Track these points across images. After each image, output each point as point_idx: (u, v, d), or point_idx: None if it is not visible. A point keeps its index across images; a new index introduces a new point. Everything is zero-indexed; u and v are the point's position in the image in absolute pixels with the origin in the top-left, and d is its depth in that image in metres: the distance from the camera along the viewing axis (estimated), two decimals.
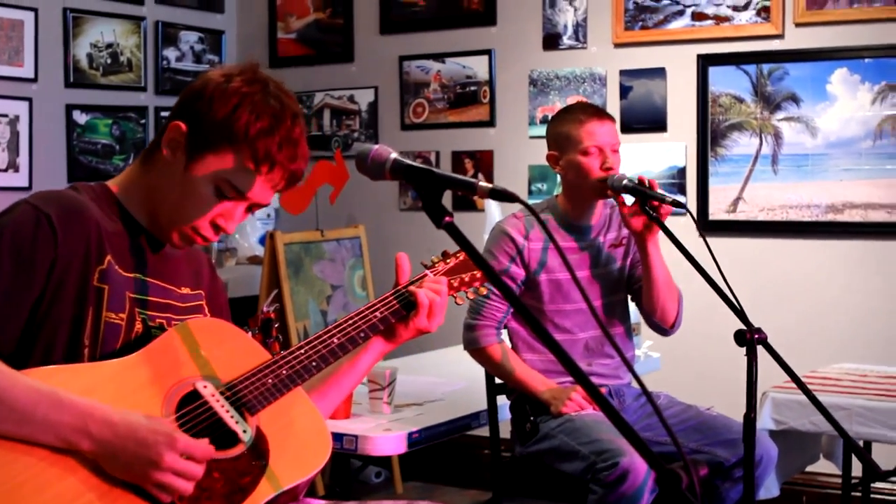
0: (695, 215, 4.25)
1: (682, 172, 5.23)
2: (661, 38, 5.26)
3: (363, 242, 5.74)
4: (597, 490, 3.25)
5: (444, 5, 5.79)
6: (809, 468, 4.27)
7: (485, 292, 2.60)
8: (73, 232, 2.04)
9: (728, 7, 5.11)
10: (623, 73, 5.35)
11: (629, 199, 3.50)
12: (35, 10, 5.28)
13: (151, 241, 2.20)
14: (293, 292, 5.28)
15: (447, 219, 1.85)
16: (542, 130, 5.43)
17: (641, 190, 3.42)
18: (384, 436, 3.26)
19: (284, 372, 2.17)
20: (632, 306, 3.81)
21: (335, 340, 2.25)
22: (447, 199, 5.54)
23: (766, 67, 5.03)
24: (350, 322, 2.29)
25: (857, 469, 4.15)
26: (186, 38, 6.07)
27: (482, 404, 3.69)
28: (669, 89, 5.26)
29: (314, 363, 2.21)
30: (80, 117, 5.54)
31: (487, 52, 5.69)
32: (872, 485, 4.38)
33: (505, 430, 3.75)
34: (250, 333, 2.29)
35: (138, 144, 5.75)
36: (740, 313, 2.92)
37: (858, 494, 4.33)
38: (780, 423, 3.78)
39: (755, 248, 5.10)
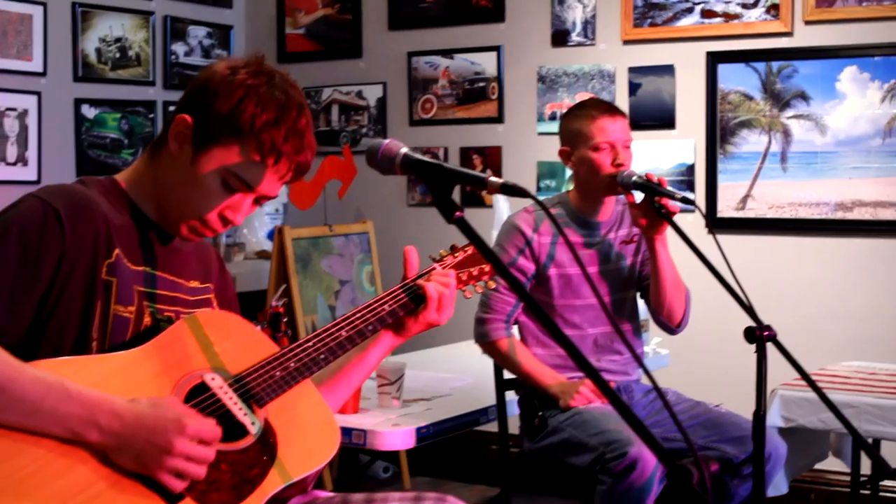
0: (703, 213, 4.23)
1: (690, 170, 5.22)
2: (670, 35, 5.25)
3: (371, 238, 5.74)
4: (606, 480, 3.25)
5: (452, 1, 5.79)
6: (818, 466, 4.27)
7: (493, 286, 2.60)
8: (80, 226, 2.04)
9: (737, 4, 5.10)
10: (632, 70, 5.35)
11: (639, 196, 3.49)
12: (44, 5, 5.28)
13: (160, 235, 2.20)
14: (301, 287, 5.29)
15: (458, 213, 1.85)
16: (550, 127, 5.45)
17: (650, 186, 3.41)
18: (393, 430, 3.26)
19: (293, 364, 2.17)
20: (641, 303, 3.81)
21: (343, 333, 2.25)
22: (454, 197, 5.54)
23: (775, 65, 5.02)
24: (358, 315, 2.29)
25: (865, 467, 4.14)
26: (195, 33, 6.07)
27: (491, 400, 3.69)
28: (678, 86, 5.25)
29: (322, 356, 2.21)
30: (89, 111, 5.55)
31: (496, 48, 5.68)
32: (881, 483, 4.37)
33: (513, 426, 3.75)
34: (259, 328, 2.29)
35: (146, 139, 5.75)
36: (749, 310, 2.91)
37: (867, 492, 4.32)
38: (789, 421, 3.78)
39: (764, 246, 5.09)
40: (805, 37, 4.97)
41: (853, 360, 4.44)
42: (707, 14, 5.17)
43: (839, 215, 4.93)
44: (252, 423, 2.07)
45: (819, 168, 4.97)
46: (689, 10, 5.20)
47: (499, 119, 5.70)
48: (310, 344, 2.21)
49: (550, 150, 3.73)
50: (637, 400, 3.70)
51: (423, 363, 4.20)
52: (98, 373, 1.97)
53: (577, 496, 3.48)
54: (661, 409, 3.65)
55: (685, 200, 3.36)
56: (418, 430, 3.29)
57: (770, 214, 5.07)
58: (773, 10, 5.02)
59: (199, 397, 2.04)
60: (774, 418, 3.77)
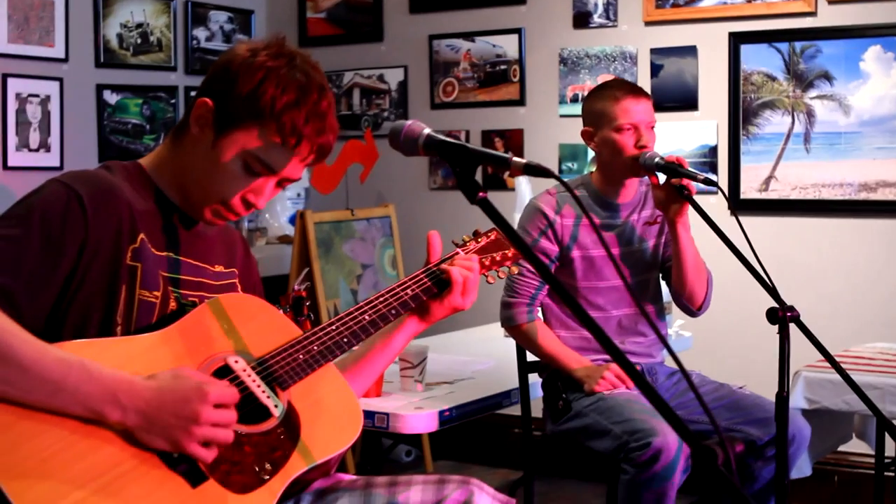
0: (726, 194, 4.22)
1: (713, 151, 5.20)
2: (693, 15, 5.22)
3: (393, 221, 5.74)
4: (629, 470, 3.24)
5: None
6: (842, 448, 4.25)
7: (516, 271, 2.60)
8: (103, 212, 2.04)
9: None
10: (654, 51, 5.32)
11: (662, 178, 3.48)
12: None
13: (184, 219, 2.21)
14: (323, 271, 5.29)
15: (481, 194, 1.85)
16: (572, 109, 5.44)
17: (673, 168, 3.40)
18: (416, 414, 3.26)
19: (316, 348, 2.17)
20: (663, 285, 3.80)
21: (366, 317, 2.25)
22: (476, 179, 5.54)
23: (798, 45, 4.99)
24: (381, 299, 2.29)
25: (890, 449, 4.12)
26: (216, 18, 6.07)
27: (513, 382, 3.68)
28: (701, 67, 5.23)
29: (345, 339, 2.21)
30: (111, 97, 5.56)
31: (517, 30, 5.67)
32: None
33: (536, 409, 3.74)
34: (282, 311, 2.30)
35: (168, 124, 5.76)
36: (772, 291, 2.90)
37: (892, 474, 4.31)
38: (813, 403, 3.77)
39: (787, 227, 5.07)
40: (828, 16, 4.94)
41: (877, 342, 4.42)
42: None
43: (863, 196, 4.90)
44: (275, 406, 2.08)
45: (842, 149, 4.94)
46: None
47: (520, 102, 5.69)
48: (333, 328, 2.21)
49: (572, 132, 3.72)
50: (661, 383, 3.70)
51: (445, 347, 4.20)
52: (120, 355, 1.98)
53: (600, 480, 3.48)
54: (684, 392, 3.64)
55: (708, 182, 3.35)
56: (441, 413, 3.29)
57: (793, 196, 5.04)
58: None
59: (223, 380, 2.04)
60: (798, 400, 3.76)
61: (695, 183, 3.39)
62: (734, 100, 5.13)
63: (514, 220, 4.02)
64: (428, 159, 5.81)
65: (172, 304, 2.14)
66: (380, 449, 5.32)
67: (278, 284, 5.21)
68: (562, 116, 5.53)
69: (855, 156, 4.92)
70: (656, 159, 3.44)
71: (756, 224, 4.92)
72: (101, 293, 2.03)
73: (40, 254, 1.98)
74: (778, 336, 2.85)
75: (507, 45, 5.70)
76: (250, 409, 2.05)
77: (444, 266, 2.37)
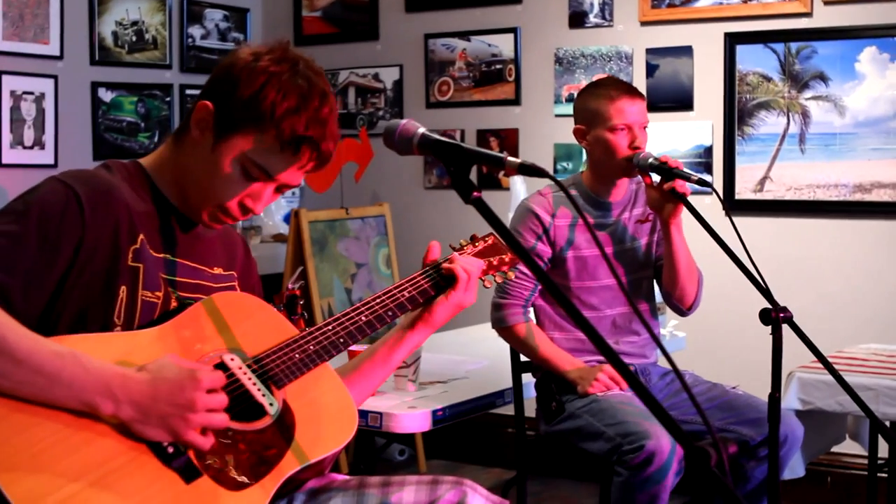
0: (721, 195, 4.21)
1: (708, 151, 5.20)
2: (688, 16, 5.23)
3: (388, 220, 5.74)
4: (622, 472, 3.24)
5: None
6: (835, 449, 4.25)
7: (513, 276, 2.60)
8: (101, 212, 2.04)
9: None
10: (649, 51, 5.33)
11: (656, 178, 3.48)
12: None
13: (182, 221, 2.21)
14: (318, 270, 5.29)
15: (475, 194, 1.85)
16: (567, 109, 5.43)
17: (667, 169, 3.40)
18: (409, 413, 3.26)
19: (312, 347, 2.17)
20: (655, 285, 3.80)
21: (363, 318, 2.26)
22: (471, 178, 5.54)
23: (794, 46, 4.99)
24: (378, 300, 2.30)
25: (883, 450, 4.12)
26: (211, 16, 6.06)
27: (507, 382, 3.68)
28: (696, 68, 5.23)
29: (341, 339, 2.21)
30: (106, 95, 5.55)
31: (513, 30, 5.67)
32: None
33: (529, 409, 3.75)
34: (278, 310, 2.30)
35: (163, 122, 5.76)
36: (766, 292, 2.90)
37: (885, 475, 4.30)
38: (807, 404, 3.77)
39: (782, 228, 5.07)
40: (824, 17, 4.94)
41: (871, 343, 4.42)
42: None
43: (857, 197, 4.91)
44: (270, 405, 2.07)
45: (838, 150, 4.94)
46: None
47: (516, 101, 5.69)
48: (329, 328, 2.22)
49: (567, 132, 3.71)
50: (654, 383, 3.70)
51: (439, 346, 4.20)
52: (114, 350, 1.98)
53: (593, 480, 3.48)
54: (677, 392, 3.64)
55: (702, 182, 3.35)
56: (434, 412, 3.29)
57: (788, 196, 5.05)
58: None
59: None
60: (792, 401, 3.76)
61: (689, 184, 3.39)
62: (729, 100, 5.13)
63: (508, 219, 4.02)
64: (423, 158, 5.81)
65: (174, 304, 2.14)
66: (373, 448, 5.32)
67: (272, 283, 5.21)
68: (557, 116, 5.54)
69: (850, 157, 4.92)
70: (650, 160, 3.44)
71: (751, 225, 4.93)
72: (98, 293, 2.03)
73: (36, 251, 1.98)
74: (771, 337, 2.85)
75: (503, 45, 5.70)
76: (245, 406, 2.04)
77: (445, 265, 2.37)
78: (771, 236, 5.04)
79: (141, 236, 2.09)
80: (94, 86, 5.50)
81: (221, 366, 2.07)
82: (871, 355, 4.09)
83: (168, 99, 5.81)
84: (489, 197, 5.45)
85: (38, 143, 5.21)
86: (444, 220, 5.66)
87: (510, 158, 1.88)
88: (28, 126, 5.16)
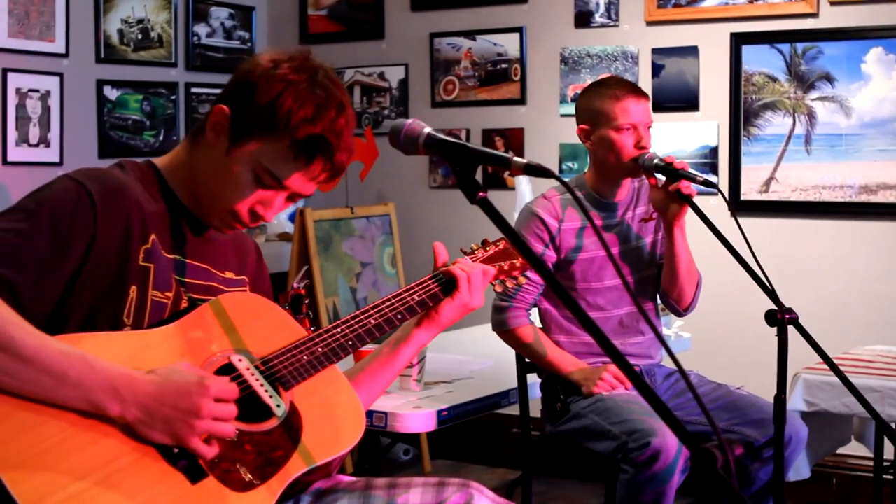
0: (726, 195, 4.21)
1: (714, 152, 5.19)
2: (694, 16, 5.22)
3: (393, 220, 5.73)
4: (628, 470, 3.24)
5: None
6: (841, 450, 4.25)
7: (524, 282, 2.59)
8: (113, 211, 2.04)
9: None
10: (655, 51, 5.32)
11: (661, 179, 3.48)
12: None
13: (193, 223, 2.21)
14: (323, 269, 5.29)
15: (481, 194, 1.85)
16: (573, 109, 5.40)
17: (672, 170, 3.39)
18: (414, 413, 3.26)
19: (320, 349, 2.17)
20: None
21: (372, 321, 2.26)
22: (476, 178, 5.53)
23: (800, 46, 4.99)
24: (388, 304, 2.30)
25: (889, 452, 4.12)
26: (217, 14, 6.06)
27: (512, 383, 3.68)
28: (702, 68, 5.22)
29: (350, 342, 2.21)
30: (111, 93, 5.55)
31: (518, 29, 5.66)
32: None
33: (535, 409, 3.74)
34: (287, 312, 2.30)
35: (168, 120, 5.75)
36: (771, 293, 2.90)
37: (890, 477, 4.30)
38: (812, 405, 3.76)
39: (787, 229, 5.06)
40: (830, 18, 4.94)
41: (877, 344, 4.42)
42: None
43: (863, 198, 4.90)
44: (277, 406, 2.07)
45: (843, 150, 4.93)
46: None
47: (521, 101, 5.68)
48: (338, 330, 2.21)
49: (573, 132, 3.70)
50: (659, 384, 3.69)
51: (444, 346, 4.20)
52: (120, 350, 1.98)
53: (598, 480, 3.48)
54: (682, 393, 3.64)
55: (707, 183, 3.35)
56: (439, 412, 3.28)
57: (794, 197, 5.04)
58: None
59: (225, 377, 2.04)
60: (797, 402, 3.76)
61: (694, 184, 3.38)
62: (735, 101, 5.13)
63: (513, 219, 4.01)
64: (428, 158, 5.80)
65: (184, 305, 2.14)
66: (378, 448, 5.31)
67: (277, 282, 5.18)
68: (562, 116, 5.53)
69: (856, 158, 4.91)
70: (655, 160, 3.43)
71: (756, 225, 4.92)
72: (108, 292, 2.03)
73: (47, 249, 1.98)
74: (777, 338, 2.85)
75: (509, 44, 5.69)
76: (252, 407, 2.04)
77: (443, 269, 2.37)
78: (776, 237, 5.03)
79: (153, 236, 2.09)
80: (100, 84, 5.50)
81: (229, 366, 2.07)
82: (876, 357, 4.08)
83: (173, 97, 5.81)
84: (494, 197, 5.44)
85: (44, 141, 5.20)
86: (449, 219, 5.66)
87: (516, 158, 1.88)
88: (33, 124, 5.16)
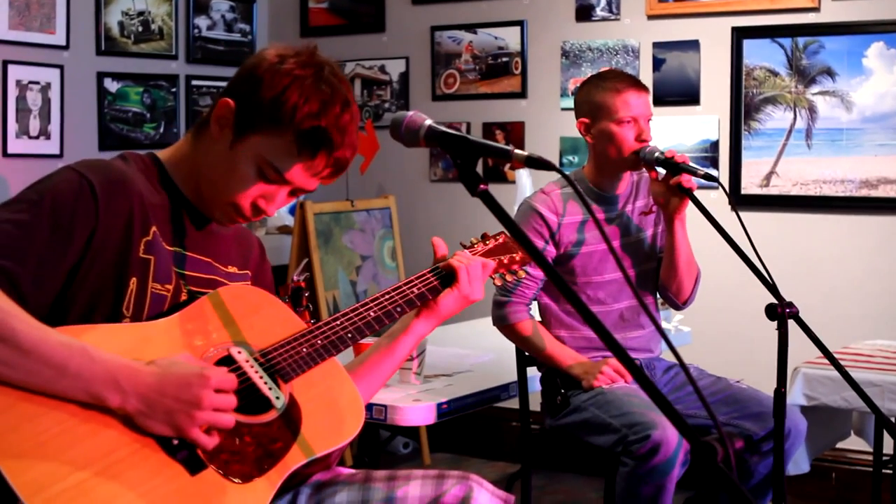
0: (727, 189, 4.21)
1: (714, 146, 5.19)
2: (696, 10, 5.22)
3: (393, 213, 5.73)
4: (628, 462, 3.24)
5: None
6: (840, 445, 4.25)
7: (523, 275, 2.59)
8: (114, 202, 2.04)
9: None
10: (656, 45, 5.31)
11: (661, 172, 3.47)
12: None
13: (195, 216, 2.20)
14: (323, 262, 5.29)
15: (482, 186, 1.85)
16: (573, 103, 5.42)
17: (673, 163, 3.39)
18: (413, 406, 3.26)
19: (320, 342, 2.17)
20: None
21: (371, 314, 2.26)
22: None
23: (801, 41, 4.98)
24: (388, 296, 2.30)
25: (888, 446, 4.12)
26: (218, 7, 6.05)
27: (512, 376, 3.68)
28: (703, 62, 5.22)
29: (349, 334, 2.21)
30: (112, 85, 5.55)
31: (519, 22, 5.66)
32: None
33: (534, 403, 3.74)
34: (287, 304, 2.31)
35: (169, 113, 5.75)
36: (772, 287, 2.90)
37: (889, 472, 4.31)
38: (812, 399, 3.77)
39: (788, 223, 5.06)
40: (831, 12, 4.93)
41: (877, 339, 4.42)
42: None
43: (864, 192, 4.90)
44: (277, 398, 2.07)
45: (844, 145, 4.93)
46: None
47: (522, 94, 5.68)
48: (338, 322, 2.21)
49: (574, 125, 3.69)
50: (659, 378, 3.69)
51: (444, 339, 4.20)
52: (121, 342, 1.98)
53: (598, 474, 3.48)
54: (682, 386, 3.64)
55: (708, 177, 3.34)
56: (439, 405, 3.28)
57: (794, 191, 5.04)
58: None
59: (224, 368, 2.04)
60: (797, 396, 3.76)
61: (695, 178, 3.38)
62: (736, 95, 5.12)
63: (513, 212, 4.01)
64: (428, 151, 5.80)
65: (184, 297, 2.14)
66: (377, 441, 5.32)
67: (277, 275, 5.18)
68: (563, 109, 5.52)
69: (856, 152, 4.91)
70: (656, 154, 3.43)
71: (756, 220, 4.91)
72: (109, 284, 2.03)
73: (49, 240, 1.98)
74: (777, 332, 2.85)
75: (509, 38, 5.69)
76: (251, 399, 2.04)
77: (442, 263, 2.38)
78: (777, 231, 5.03)
79: (154, 228, 2.09)
80: (100, 76, 5.50)
81: (228, 358, 2.07)
82: (876, 351, 4.09)
83: (174, 90, 5.81)
84: (495, 190, 5.43)
85: (44, 133, 5.20)
86: (449, 212, 5.66)
87: (517, 151, 1.87)
88: (34, 116, 5.16)
